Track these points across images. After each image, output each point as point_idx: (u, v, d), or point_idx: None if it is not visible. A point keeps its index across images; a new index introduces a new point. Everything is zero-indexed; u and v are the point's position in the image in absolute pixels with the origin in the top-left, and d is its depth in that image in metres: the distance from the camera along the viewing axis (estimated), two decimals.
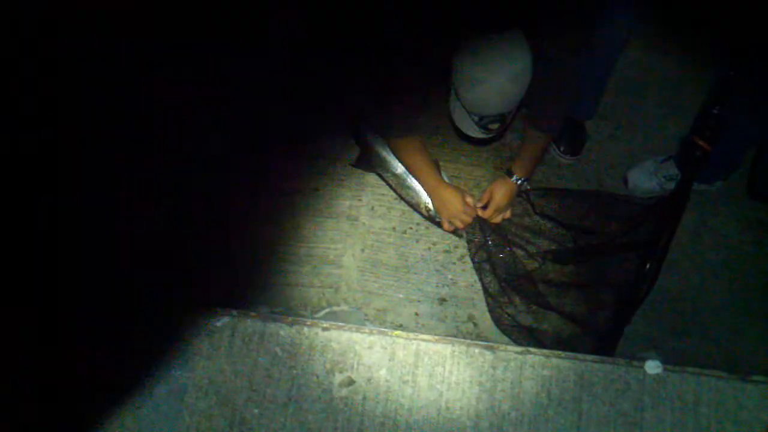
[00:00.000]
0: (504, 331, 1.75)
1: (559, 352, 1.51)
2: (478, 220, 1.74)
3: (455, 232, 1.79)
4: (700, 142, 1.57)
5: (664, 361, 1.49)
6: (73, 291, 1.62)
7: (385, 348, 1.50)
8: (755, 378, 1.49)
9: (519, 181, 1.68)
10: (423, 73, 1.47)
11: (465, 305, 1.81)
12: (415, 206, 1.83)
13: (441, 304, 1.81)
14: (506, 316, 1.73)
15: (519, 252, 1.78)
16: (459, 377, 1.48)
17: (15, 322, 1.52)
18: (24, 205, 1.76)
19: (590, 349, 1.62)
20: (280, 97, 1.98)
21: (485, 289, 1.77)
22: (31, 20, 1.84)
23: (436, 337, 1.52)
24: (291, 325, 1.52)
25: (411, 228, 1.88)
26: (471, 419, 1.44)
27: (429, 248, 1.86)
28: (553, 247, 1.78)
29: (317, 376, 1.48)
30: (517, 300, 1.74)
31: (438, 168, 1.80)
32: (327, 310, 1.79)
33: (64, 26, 1.88)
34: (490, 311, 1.76)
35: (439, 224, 1.80)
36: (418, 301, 1.81)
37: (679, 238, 1.67)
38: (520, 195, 1.75)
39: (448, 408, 1.46)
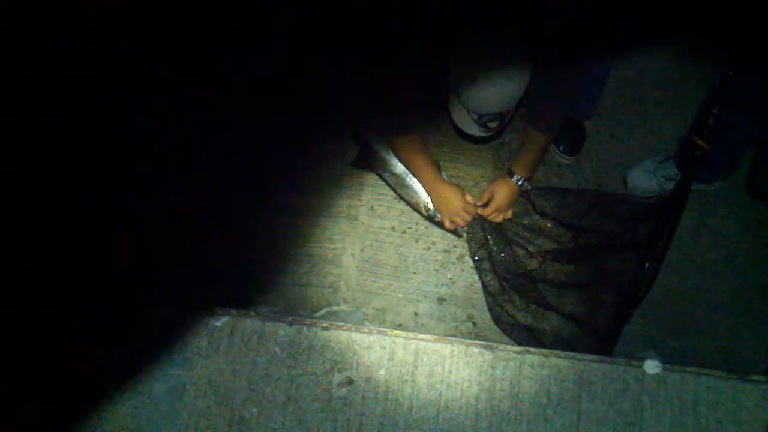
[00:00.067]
0: (503, 331, 1.75)
1: (559, 352, 1.51)
2: (478, 218, 1.74)
3: (455, 231, 1.80)
4: (700, 142, 1.56)
5: (664, 361, 1.49)
6: (73, 291, 1.62)
7: (385, 347, 1.51)
8: (754, 377, 1.49)
9: (520, 182, 1.68)
10: (423, 72, 1.47)
11: (464, 305, 1.81)
12: (414, 206, 1.83)
13: (440, 303, 1.81)
14: (506, 315, 1.74)
15: (519, 251, 1.78)
16: (458, 377, 1.48)
17: (15, 322, 1.52)
18: (24, 205, 1.76)
19: (589, 348, 1.62)
20: (280, 97, 1.98)
21: (485, 288, 1.77)
22: (31, 20, 1.84)
23: (435, 337, 1.52)
24: (290, 324, 1.52)
25: (410, 227, 1.88)
26: (470, 419, 1.44)
27: (428, 248, 1.86)
28: (553, 247, 1.78)
29: (316, 376, 1.48)
30: (516, 299, 1.75)
31: (439, 168, 1.80)
32: (326, 309, 1.79)
33: (64, 26, 1.88)
34: (490, 310, 1.76)
35: (438, 224, 1.80)
36: (418, 301, 1.81)
37: (678, 238, 1.67)
38: (520, 195, 1.75)
39: (447, 407, 1.46)
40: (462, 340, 1.53)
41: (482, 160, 1.95)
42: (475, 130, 1.53)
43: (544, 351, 1.51)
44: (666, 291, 1.78)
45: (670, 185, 1.81)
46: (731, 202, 1.90)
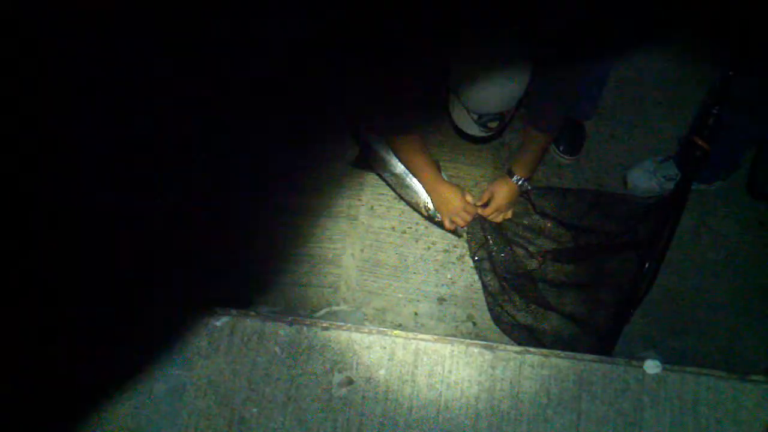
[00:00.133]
0: (503, 331, 1.75)
1: (559, 352, 1.51)
2: (478, 218, 1.74)
3: (455, 231, 1.80)
4: (700, 142, 1.57)
5: (664, 361, 1.49)
6: (73, 291, 1.62)
7: (385, 347, 1.50)
8: (754, 377, 1.49)
9: (520, 182, 1.68)
10: (423, 72, 1.47)
11: (464, 305, 1.81)
12: (414, 206, 1.83)
13: (440, 303, 1.81)
14: (506, 315, 1.74)
15: (519, 251, 1.78)
16: (458, 377, 1.48)
17: (15, 322, 1.52)
18: (24, 205, 1.76)
19: (589, 348, 1.62)
20: (280, 97, 1.98)
21: (485, 288, 1.77)
22: (31, 20, 1.84)
23: (435, 337, 1.52)
24: (290, 324, 1.52)
25: (410, 227, 1.88)
26: (470, 419, 1.44)
27: (428, 248, 1.86)
28: (553, 247, 1.78)
29: (316, 376, 1.48)
30: (516, 299, 1.75)
31: (439, 168, 1.80)
32: (326, 309, 1.79)
33: (64, 26, 1.88)
34: (490, 310, 1.76)
35: (438, 224, 1.80)
36: (418, 301, 1.81)
37: (678, 238, 1.67)
38: (521, 195, 1.75)
39: (447, 407, 1.46)
40: (462, 340, 1.53)
41: (482, 160, 1.95)
42: (475, 130, 1.53)
43: (544, 351, 1.51)
44: (666, 291, 1.78)
45: (670, 185, 1.81)
46: (731, 202, 1.90)
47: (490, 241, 1.75)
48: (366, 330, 1.52)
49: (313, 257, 1.84)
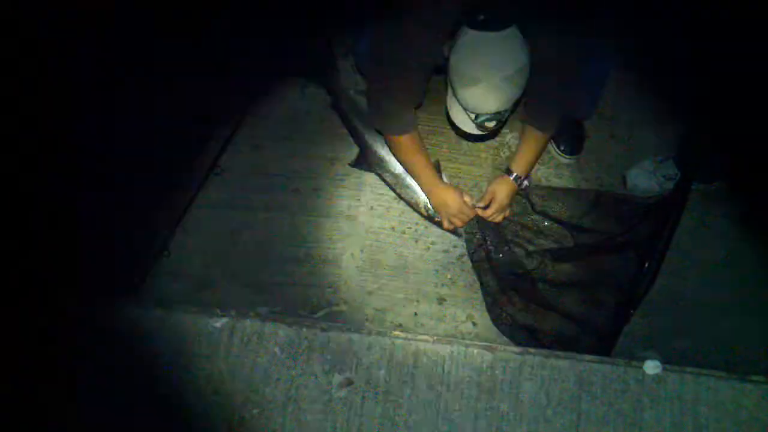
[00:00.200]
0: (503, 331, 1.75)
1: (558, 353, 1.51)
2: (477, 218, 1.74)
3: (454, 231, 1.80)
4: (700, 142, 1.56)
5: (663, 361, 1.48)
6: (73, 291, 1.62)
7: (384, 348, 1.50)
8: (754, 378, 1.48)
9: (519, 180, 1.68)
10: (420, 70, 1.47)
11: (464, 305, 1.81)
12: (414, 206, 1.83)
13: (440, 303, 1.81)
14: (505, 315, 1.74)
15: (518, 251, 1.78)
16: (458, 378, 1.48)
17: (15, 322, 1.52)
18: (23, 204, 1.76)
19: (589, 348, 1.62)
20: (279, 96, 1.97)
21: (484, 289, 1.76)
22: (31, 20, 1.84)
23: (435, 338, 1.52)
24: (290, 325, 1.52)
25: (410, 228, 1.88)
26: (470, 420, 1.44)
27: (428, 248, 1.86)
28: (553, 246, 1.78)
29: (316, 377, 1.48)
30: (516, 299, 1.74)
31: (439, 168, 1.80)
32: (326, 310, 1.79)
33: (64, 26, 1.88)
34: (489, 310, 1.76)
35: (438, 224, 1.80)
36: (417, 301, 1.81)
37: (678, 238, 1.67)
38: (519, 193, 1.75)
39: (447, 409, 1.46)
40: (462, 341, 1.53)
41: (482, 160, 1.95)
42: (472, 129, 1.53)
43: (544, 352, 1.50)
44: (666, 291, 1.77)
45: (670, 185, 1.81)
46: (731, 202, 1.90)
47: (489, 241, 1.75)
48: (366, 331, 1.52)
49: (312, 257, 1.84)
